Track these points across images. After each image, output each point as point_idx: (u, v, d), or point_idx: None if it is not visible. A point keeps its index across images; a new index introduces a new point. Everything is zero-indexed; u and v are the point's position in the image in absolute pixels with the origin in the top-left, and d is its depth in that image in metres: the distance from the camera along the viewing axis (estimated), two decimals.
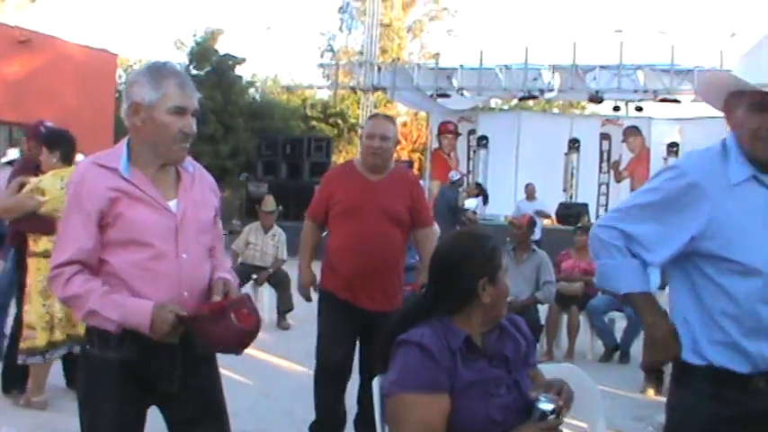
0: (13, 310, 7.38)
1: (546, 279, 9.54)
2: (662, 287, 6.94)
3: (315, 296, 6.17)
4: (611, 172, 26.79)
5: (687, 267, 3.12)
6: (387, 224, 5.68)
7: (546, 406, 2.88)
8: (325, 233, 6.06)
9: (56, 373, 6.89)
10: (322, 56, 46.62)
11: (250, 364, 9.04)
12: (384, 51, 38.66)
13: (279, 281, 11.75)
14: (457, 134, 28.23)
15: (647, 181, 3.34)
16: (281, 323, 11.42)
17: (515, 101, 28.45)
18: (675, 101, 22.73)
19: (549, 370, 3.41)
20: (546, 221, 20.04)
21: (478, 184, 22.82)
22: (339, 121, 39.05)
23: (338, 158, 28.96)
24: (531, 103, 27.66)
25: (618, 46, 22.89)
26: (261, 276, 11.80)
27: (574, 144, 26.19)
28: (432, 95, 25.39)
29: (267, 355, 9.31)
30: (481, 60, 24.37)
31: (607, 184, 26.58)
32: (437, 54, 32.80)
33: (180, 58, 33.22)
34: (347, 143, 38.23)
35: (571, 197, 25.35)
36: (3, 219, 7.17)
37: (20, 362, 6.52)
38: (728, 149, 3.09)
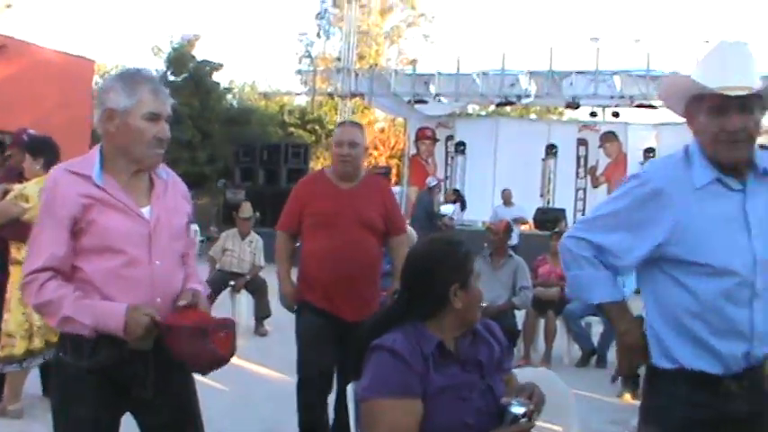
0: None
1: (523, 284, 9.57)
2: (638, 291, 6.98)
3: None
4: (589, 177, 26.88)
5: (653, 271, 3.15)
6: (362, 232, 5.64)
7: (517, 410, 2.89)
8: (297, 244, 6.01)
9: (32, 381, 6.86)
10: (300, 62, 46.58)
11: (227, 370, 8.96)
12: (362, 57, 38.64)
13: (256, 287, 11.75)
14: (434, 140, 28.28)
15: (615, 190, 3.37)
16: (259, 329, 11.41)
17: (493, 107, 28.50)
18: (652, 106, 22.81)
19: (523, 374, 3.42)
20: (524, 227, 20.09)
21: (456, 190, 22.88)
22: (317, 128, 39.09)
23: (316, 165, 28.97)
24: (508, 108, 27.77)
25: (594, 52, 23.00)
26: (238, 283, 11.79)
27: (551, 150, 26.28)
28: (409, 101, 25.45)
29: (244, 362, 9.29)
30: (458, 66, 24.45)
31: (584, 190, 26.67)
32: (414, 60, 32.77)
33: (157, 65, 33.21)
34: (325, 149, 38.23)
35: (548, 202, 25.42)
36: None
37: None
38: (691, 154, 3.12)
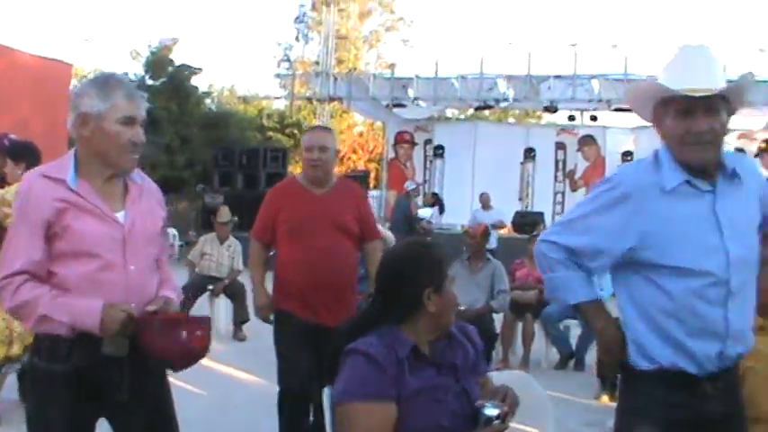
0: None
1: (500, 288, 9.58)
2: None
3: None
4: (567, 181, 26.97)
5: (627, 272, 3.18)
6: (338, 237, 5.62)
7: (491, 412, 2.91)
8: (272, 253, 5.97)
9: (9, 387, 6.83)
10: (278, 66, 46.58)
11: (205, 375, 8.99)
12: (340, 62, 38.69)
13: (234, 292, 11.74)
14: (413, 144, 28.30)
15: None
16: (237, 334, 11.39)
17: (471, 110, 28.55)
18: (630, 110, 22.84)
19: (499, 377, 3.44)
20: (502, 230, 20.13)
21: (434, 194, 22.89)
22: (296, 132, 38.97)
23: (295, 169, 28.94)
24: (486, 112, 27.78)
25: (572, 56, 23.09)
26: (217, 287, 11.78)
27: (529, 153, 26.37)
28: (388, 105, 25.46)
29: (222, 366, 9.28)
30: (437, 70, 24.50)
31: (563, 193, 26.75)
32: (393, 64, 32.84)
33: (135, 69, 33.07)
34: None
35: (527, 206, 25.49)
36: None
37: None
38: (660, 158, 3.16)
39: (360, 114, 34.19)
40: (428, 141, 28.07)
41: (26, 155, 6.53)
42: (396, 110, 25.91)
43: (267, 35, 79.51)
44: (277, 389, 5.69)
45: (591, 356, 9.72)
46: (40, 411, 3.39)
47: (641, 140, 24.81)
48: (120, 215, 3.39)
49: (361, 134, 44.90)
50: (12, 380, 6.84)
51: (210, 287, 11.82)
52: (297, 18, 47.36)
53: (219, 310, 11.79)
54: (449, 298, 3.09)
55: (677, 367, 3.05)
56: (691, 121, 3.03)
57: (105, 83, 3.38)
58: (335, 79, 26.31)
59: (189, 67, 33.35)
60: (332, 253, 5.57)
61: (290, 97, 30.09)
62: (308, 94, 29.00)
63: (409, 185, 18.34)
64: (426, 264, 3.09)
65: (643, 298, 3.11)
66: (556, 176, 27.17)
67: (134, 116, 3.38)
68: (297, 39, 47.26)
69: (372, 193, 27.11)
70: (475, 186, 23.86)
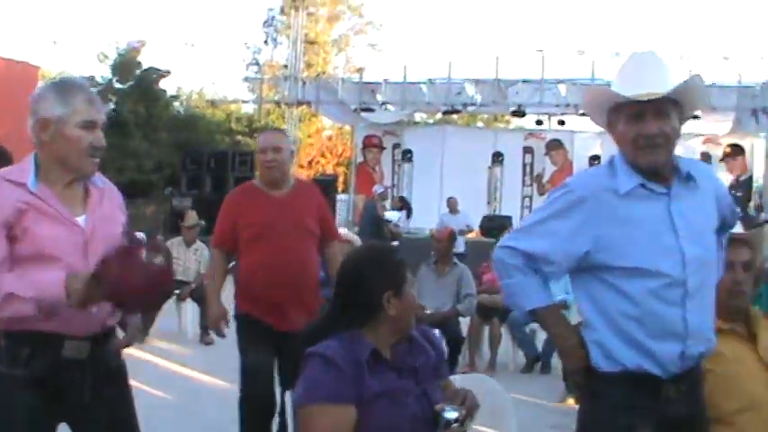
0: None
1: (467, 291, 9.64)
2: None
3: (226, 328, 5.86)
4: (535, 185, 27.06)
5: (586, 276, 3.21)
6: (300, 239, 5.58)
7: (450, 415, 2.94)
8: (232, 263, 5.91)
9: None
10: (247, 69, 46.45)
11: (173, 379, 9.00)
12: (309, 65, 38.62)
13: (202, 296, 11.62)
14: (381, 148, 28.30)
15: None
16: (204, 338, 11.31)
17: (439, 115, 28.62)
18: None
19: (461, 380, 3.47)
20: (470, 234, 20.19)
21: (402, 198, 22.95)
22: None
23: None
24: (455, 117, 27.86)
25: (539, 61, 23.20)
26: (184, 291, 11.75)
27: (497, 157, 26.43)
28: (356, 109, 25.47)
29: (190, 371, 9.28)
30: (405, 74, 24.53)
31: (530, 197, 26.83)
32: (361, 68, 32.87)
33: (103, 71, 32.95)
34: None
35: (495, 210, 25.55)
36: None
37: None
38: (615, 163, 3.21)
39: (328, 118, 34.21)
40: (396, 146, 28.08)
41: None
42: (364, 114, 25.92)
43: (236, 38, 79.03)
44: None
45: (557, 359, 9.77)
46: (1, 416, 3.36)
47: (608, 145, 24.57)
48: (80, 219, 3.38)
49: (329, 138, 44.89)
50: None
51: (177, 291, 11.77)
52: (265, 22, 47.29)
53: (186, 315, 11.77)
54: (409, 301, 3.11)
55: (641, 369, 3.07)
56: (641, 125, 3.08)
57: (64, 87, 3.38)
58: (304, 83, 26.30)
59: (157, 69, 33.28)
60: (295, 256, 5.53)
61: (259, 101, 29.99)
62: (276, 98, 28.96)
63: (378, 189, 18.33)
64: (386, 267, 3.12)
65: (603, 301, 3.14)
66: (524, 180, 27.26)
67: (94, 120, 3.36)
68: (266, 42, 47.19)
69: (341, 197, 27.16)
70: (443, 190, 23.86)
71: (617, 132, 3.20)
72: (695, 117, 21.54)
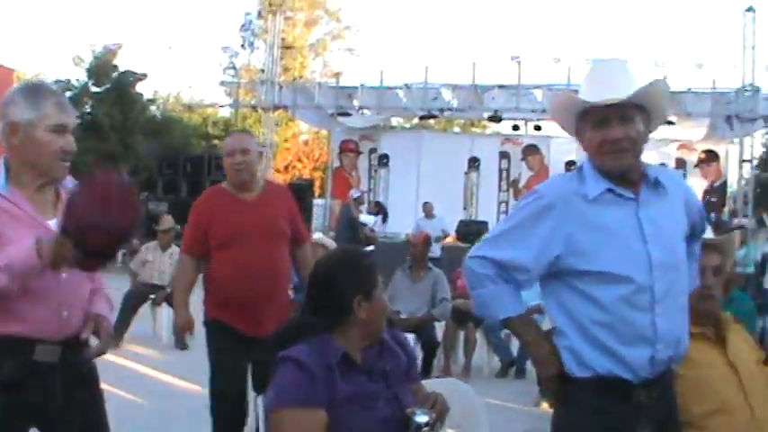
0: None
1: (442, 296, 9.67)
2: None
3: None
4: (511, 190, 27.13)
5: (556, 283, 3.22)
6: (273, 242, 5.52)
7: (421, 419, 2.96)
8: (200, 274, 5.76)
9: None
10: (224, 73, 46.38)
11: (148, 384, 8.97)
12: (286, 70, 38.59)
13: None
14: (358, 153, 28.30)
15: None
16: (179, 343, 11.30)
17: (416, 120, 28.65)
18: None
19: (433, 384, 3.48)
20: (448, 239, 20.24)
21: (378, 203, 22.98)
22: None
23: None
24: (432, 122, 27.89)
25: (516, 66, 23.25)
26: (159, 296, 11.73)
27: (474, 163, 26.52)
28: (333, 114, 25.47)
29: (165, 375, 9.25)
30: (382, 79, 24.55)
31: (507, 202, 26.88)
32: (338, 73, 32.92)
33: (79, 75, 32.79)
34: None
35: (471, 215, 25.59)
36: None
37: None
38: (583, 169, 3.23)
39: (305, 122, 34.16)
40: (373, 150, 28.10)
41: None
42: (341, 119, 25.90)
43: (213, 42, 78.99)
44: None
45: (531, 364, 9.81)
46: None
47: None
48: (52, 223, 3.34)
49: (306, 143, 44.91)
50: None
51: (152, 296, 11.76)
52: (243, 26, 47.29)
53: (161, 319, 11.73)
54: (379, 305, 3.14)
55: (612, 374, 3.08)
56: (606, 131, 3.11)
57: (34, 91, 3.36)
58: (281, 87, 26.24)
59: (133, 73, 33.15)
60: (268, 259, 5.46)
61: (236, 105, 29.95)
62: (253, 102, 28.92)
63: (354, 194, 18.35)
64: (357, 271, 3.15)
65: (572, 308, 3.15)
66: (500, 186, 27.34)
67: (65, 124, 3.35)
68: (243, 46, 47.15)
69: (317, 201, 27.15)
70: (419, 195, 23.92)
71: (585, 139, 3.23)
72: (670, 123, 21.73)
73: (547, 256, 3.16)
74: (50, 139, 3.31)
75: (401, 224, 22.34)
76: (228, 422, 5.47)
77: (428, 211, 19.38)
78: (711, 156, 25.81)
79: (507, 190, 27.21)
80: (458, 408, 3.18)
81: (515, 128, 25.59)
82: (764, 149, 41.87)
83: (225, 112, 40.09)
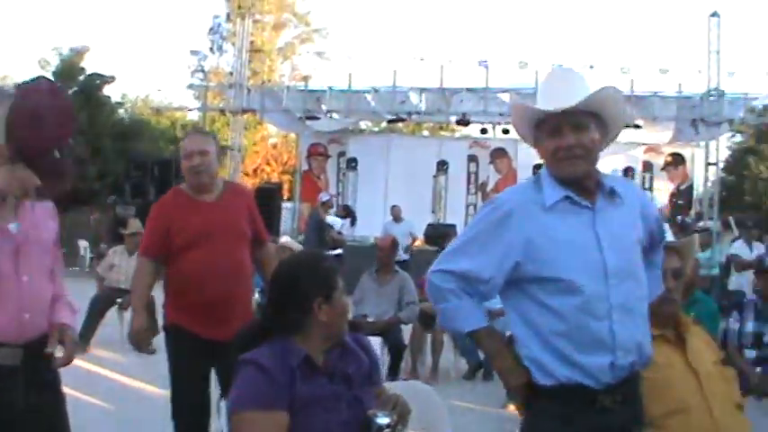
0: None
1: (409, 299, 9.68)
2: None
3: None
4: (479, 193, 27.19)
5: (517, 294, 3.25)
6: (235, 244, 5.40)
7: (382, 420, 2.99)
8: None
9: None
10: (192, 76, 46.22)
11: (114, 389, 8.94)
12: (255, 73, 38.53)
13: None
14: (326, 156, 28.30)
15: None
16: (146, 348, 11.26)
17: (385, 123, 28.68)
18: None
19: (394, 387, 3.50)
20: (416, 243, 20.29)
21: (346, 206, 22.98)
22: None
23: None
24: (401, 125, 27.91)
25: (484, 70, 23.31)
26: (126, 300, 11.65)
27: (442, 166, 26.59)
28: (301, 117, 25.45)
29: (131, 380, 9.21)
30: (350, 83, 24.54)
31: (475, 205, 26.88)
32: (307, 76, 32.85)
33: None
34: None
35: (439, 219, 25.64)
36: None
37: None
38: (541, 178, 3.28)
39: (274, 126, 34.10)
40: (341, 154, 28.11)
41: None
42: (309, 122, 25.89)
43: (182, 46, 78.81)
44: None
45: (497, 375, 9.85)
46: None
47: None
48: (12, 226, 3.36)
49: (274, 146, 44.83)
50: None
51: (119, 300, 11.71)
52: (211, 29, 47.14)
53: (128, 324, 11.67)
54: (340, 307, 3.17)
55: (575, 382, 3.11)
56: (560, 138, 3.16)
57: None
58: (249, 91, 26.19)
59: (101, 75, 32.99)
60: (233, 263, 5.35)
61: (204, 109, 29.85)
62: (221, 106, 28.85)
63: (323, 197, 18.33)
64: (316, 274, 3.17)
65: (532, 318, 3.18)
66: (468, 189, 27.40)
67: None
68: (211, 50, 47.02)
69: (285, 205, 27.08)
70: (388, 199, 23.93)
71: (541, 147, 3.28)
72: (636, 126, 21.90)
73: (507, 264, 3.19)
74: None
75: (370, 227, 22.34)
76: (191, 427, 5.41)
77: (396, 214, 19.41)
78: (678, 159, 26.03)
79: (476, 193, 27.27)
80: (421, 410, 3.21)
81: (483, 131, 25.64)
82: (730, 153, 42.34)
83: (193, 116, 39.91)
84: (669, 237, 3.92)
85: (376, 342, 8.92)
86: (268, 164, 43.73)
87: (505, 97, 23.60)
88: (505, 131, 24.89)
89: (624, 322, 3.13)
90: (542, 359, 3.15)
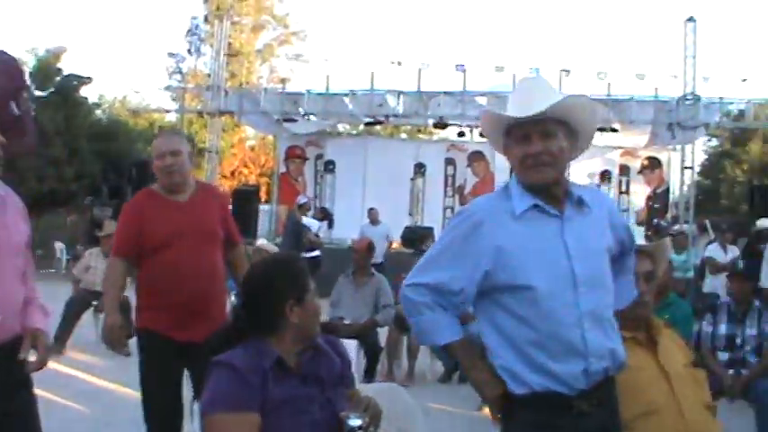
0: None
1: (385, 302, 9.71)
2: None
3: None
4: (457, 196, 27.24)
5: (489, 305, 3.26)
6: (208, 245, 5.34)
7: (354, 422, 3.00)
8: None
9: None
10: (170, 78, 46.12)
11: (89, 391, 8.90)
12: (233, 75, 38.50)
13: (119, 306, 11.56)
14: (304, 159, 28.26)
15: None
16: (122, 350, 11.21)
17: (362, 126, 28.71)
18: None
19: (368, 389, 3.52)
20: (393, 245, 20.32)
21: (323, 209, 22.98)
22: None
23: None
24: (378, 128, 27.94)
25: (461, 74, 23.34)
26: (102, 303, 11.61)
27: (420, 169, 26.64)
28: (278, 120, 25.43)
29: (107, 383, 9.18)
30: (328, 85, 24.53)
31: (452, 208, 26.95)
32: (285, 79, 32.83)
33: None
34: (195, 167, 37.86)
35: (417, 221, 25.67)
36: None
37: None
38: (510, 186, 3.30)
39: (252, 128, 34.08)
40: (319, 156, 28.09)
41: None
42: (286, 124, 25.85)
43: (160, 47, 78.60)
44: None
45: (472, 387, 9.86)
46: None
47: None
48: None
49: (252, 148, 44.79)
50: None
51: (95, 302, 11.66)
52: (189, 31, 47.07)
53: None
54: (312, 309, 3.19)
55: (549, 390, 3.12)
56: (528, 146, 3.19)
57: None
58: (227, 93, 26.15)
59: (78, 76, 32.84)
60: (205, 264, 5.29)
61: (182, 110, 29.78)
62: (199, 108, 28.80)
63: (301, 200, 18.31)
64: (288, 276, 3.20)
65: (505, 328, 3.20)
66: (446, 191, 27.45)
67: None
68: (189, 51, 46.94)
69: (263, 207, 27.05)
70: (365, 201, 23.92)
71: (511, 154, 3.30)
72: (613, 130, 22.03)
73: (479, 272, 3.19)
74: None
75: (347, 230, 22.34)
76: (163, 430, 5.34)
77: (373, 217, 19.42)
78: (654, 162, 26.17)
79: (453, 196, 27.32)
80: (395, 412, 3.22)
81: (461, 134, 25.67)
82: (706, 157, 42.64)
83: (171, 117, 39.83)
84: (641, 241, 3.96)
85: (352, 344, 8.91)
86: (246, 166, 43.69)
87: (483, 100, 23.61)
88: (483, 134, 24.86)
89: (595, 329, 3.15)
90: (515, 368, 3.16)
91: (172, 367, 5.23)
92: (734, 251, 14.96)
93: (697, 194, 24.39)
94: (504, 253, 3.15)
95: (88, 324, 11.70)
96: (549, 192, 3.24)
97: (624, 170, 26.26)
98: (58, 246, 25.10)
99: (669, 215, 25.61)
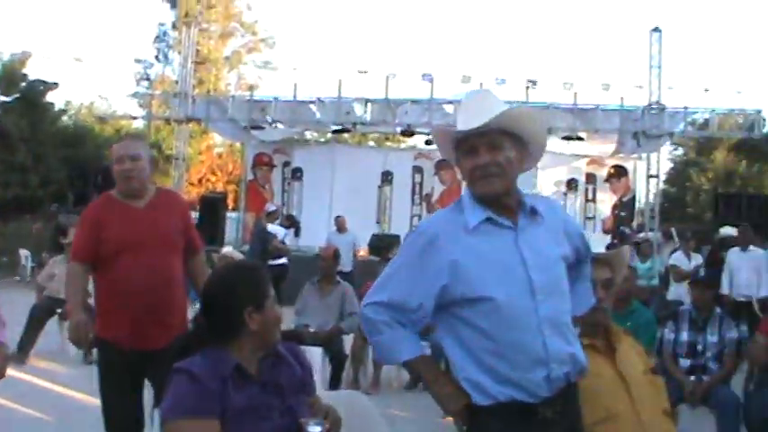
0: None
1: (350, 310, 9.70)
2: None
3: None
4: (424, 204, 27.27)
5: (448, 317, 3.29)
6: (167, 253, 5.25)
7: (314, 429, 3.03)
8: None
9: None
10: (138, 84, 45.96)
11: (54, 400, 8.85)
12: (201, 82, 38.39)
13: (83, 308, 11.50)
14: (272, 166, 28.18)
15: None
16: (87, 357, 11.10)
17: (330, 134, 28.70)
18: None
19: (330, 397, 3.54)
20: (360, 253, 20.32)
21: (290, 216, 22.94)
22: (154, 153, 38.39)
23: None
24: (347, 136, 27.92)
25: (428, 83, 23.39)
26: (66, 310, 11.56)
27: (387, 176, 26.61)
28: (246, 127, 25.36)
29: (72, 391, 9.14)
30: (295, 93, 24.49)
31: (419, 216, 26.97)
32: (252, 86, 32.79)
33: None
34: (162, 174, 37.83)
35: (384, 229, 25.68)
36: None
37: None
38: (462, 200, 3.34)
39: (219, 135, 33.98)
40: (286, 164, 27.98)
41: None
42: (254, 132, 25.77)
43: (127, 53, 78.17)
44: None
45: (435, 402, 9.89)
46: None
47: None
48: None
49: (220, 156, 44.67)
50: None
51: (59, 310, 11.58)
52: (157, 37, 46.94)
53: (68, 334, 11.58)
54: (271, 316, 3.20)
55: (513, 399, 3.15)
56: (476, 158, 3.23)
57: None
58: (194, 100, 26.06)
59: (43, 82, 32.63)
60: (163, 271, 5.19)
61: (149, 117, 29.66)
62: (166, 115, 28.69)
63: (269, 207, 18.26)
64: (247, 283, 3.21)
65: (466, 341, 3.22)
66: (413, 200, 27.42)
67: None
68: (157, 58, 46.80)
69: (230, 215, 26.98)
70: (333, 209, 23.87)
71: (461, 168, 3.34)
72: (579, 139, 22.17)
73: (434, 289, 3.22)
74: None
75: (314, 238, 22.28)
76: None
77: (341, 224, 19.40)
78: (620, 171, 26.32)
79: (420, 204, 27.31)
80: (355, 419, 3.24)
81: (428, 142, 25.65)
82: (672, 165, 43.00)
83: (138, 124, 39.66)
84: (599, 248, 4.00)
85: (317, 352, 8.94)
86: (213, 173, 43.56)
87: (450, 109, 23.66)
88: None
89: (555, 335, 3.19)
90: (479, 380, 3.18)
91: (128, 377, 5.16)
92: (697, 259, 15.11)
93: (663, 202, 24.60)
94: (460, 267, 3.18)
95: (53, 332, 11.62)
96: (501, 203, 3.28)
97: (590, 179, 26.39)
98: (23, 253, 24.89)
99: (635, 223, 25.79)
